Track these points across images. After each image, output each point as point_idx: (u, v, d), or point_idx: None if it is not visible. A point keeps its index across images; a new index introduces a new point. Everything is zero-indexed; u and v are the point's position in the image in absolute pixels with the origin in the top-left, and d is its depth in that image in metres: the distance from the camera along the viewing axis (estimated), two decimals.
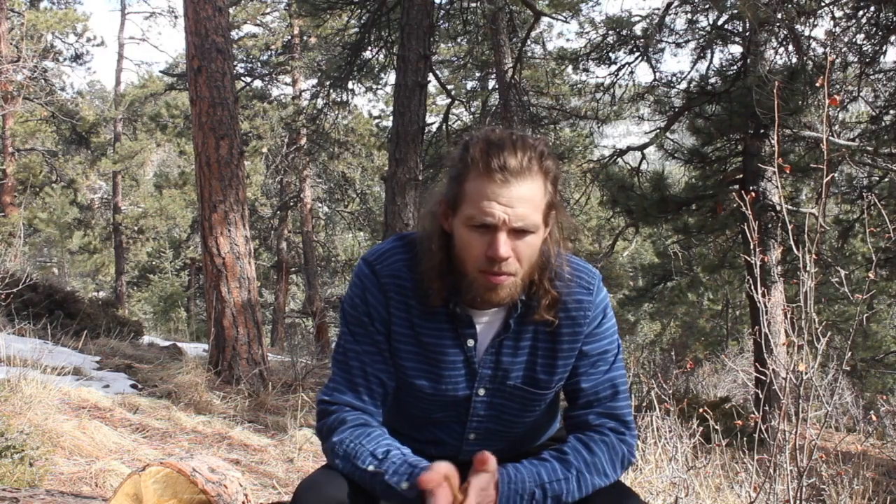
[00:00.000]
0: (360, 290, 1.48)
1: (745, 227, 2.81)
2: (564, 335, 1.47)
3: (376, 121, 18.37)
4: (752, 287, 2.80)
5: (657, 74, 10.39)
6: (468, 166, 1.36)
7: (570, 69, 11.71)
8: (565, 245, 1.47)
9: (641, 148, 10.23)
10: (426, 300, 1.44)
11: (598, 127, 11.94)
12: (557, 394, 1.57)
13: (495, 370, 1.48)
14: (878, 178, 9.26)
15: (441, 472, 1.25)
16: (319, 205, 21.16)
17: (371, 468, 1.36)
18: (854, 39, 8.51)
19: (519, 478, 1.37)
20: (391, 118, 8.34)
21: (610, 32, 10.08)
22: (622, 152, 10.57)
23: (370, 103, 40.97)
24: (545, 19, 12.23)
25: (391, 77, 13.31)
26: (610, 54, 10.25)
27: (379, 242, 1.82)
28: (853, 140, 8.38)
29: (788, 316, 2.69)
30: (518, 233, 1.35)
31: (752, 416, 3.10)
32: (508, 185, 1.33)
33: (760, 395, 2.81)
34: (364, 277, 1.48)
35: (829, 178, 2.47)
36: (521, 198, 1.33)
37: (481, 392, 1.49)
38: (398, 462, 1.35)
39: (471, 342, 1.46)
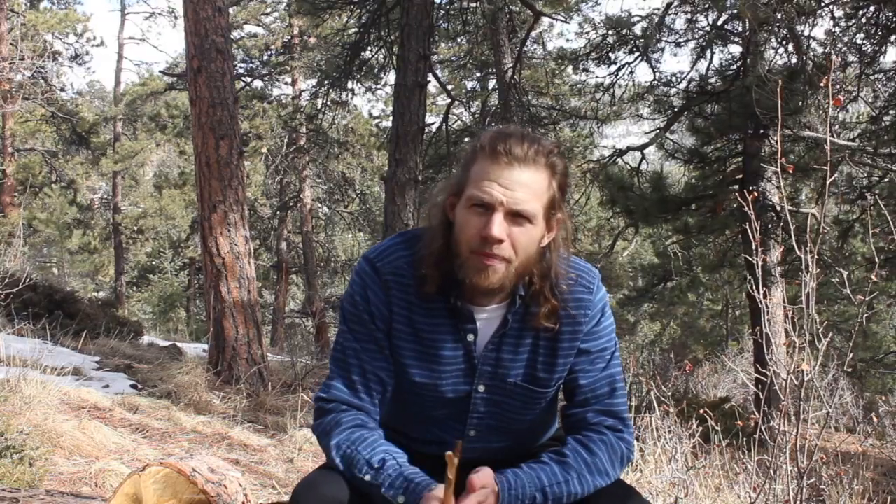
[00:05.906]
0: (361, 287, 1.47)
1: (747, 227, 2.80)
2: (565, 333, 1.48)
3: (376, 121, 18.38)
4: (753, 287, 2.79)
5: (657, 74, 10.38)
6: (476, 152, 1.40)
7: (569, 69, 11.72)
8: (566, 247, 1.48)
9: (641, 148, 10.24)
10: (424, 290, 1.44)
11: (598, 127, 11.94)
12: (556, 393, 1.58)
13: (495, 367, 1.48)
14: (878, 178, 9.26)
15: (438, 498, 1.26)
16: (319, 205, 21.14)
17: (367, 478, 1.35)
18: (854, 39, 8.51)
19: (519, 483, 1.36)
20: (391, 118, 8.34)
21: (610, 32, 10.08)
22: (622, 152, 10.57)
23: (370, 103, 40.93)
24: (545, 19, 12.24)
25: (391, 77, 13.30)
26: (610, 54, 10.25)
27: (378, 241, 1.83)
28: (853, 140, 8.38)
29: (789, 316, 2.69)
30: (515, 217, 1.36)
31: (752, 416, 3.09)
32: (511, 168, 1.35)
33: (760, 396, 2.81)
34: (365, 275, 1.47)
35: (831, 178, 2.47)
36: (521, 182, 1.35)
37: (481, 388, 1.49)
38: (394, 474, 1.34)
39: (471, 337, 1.46)
